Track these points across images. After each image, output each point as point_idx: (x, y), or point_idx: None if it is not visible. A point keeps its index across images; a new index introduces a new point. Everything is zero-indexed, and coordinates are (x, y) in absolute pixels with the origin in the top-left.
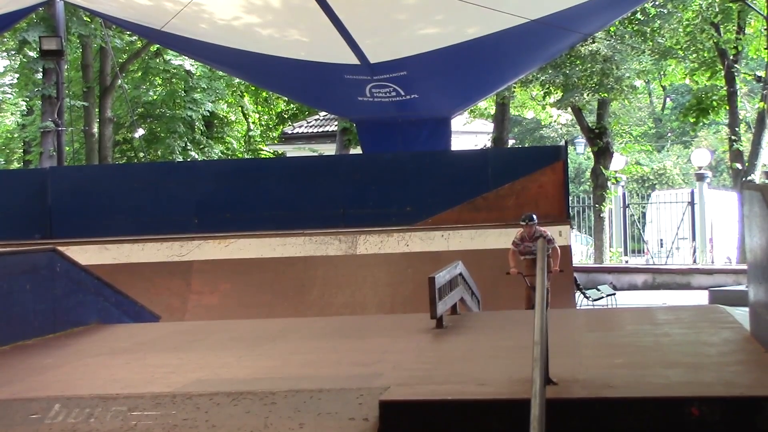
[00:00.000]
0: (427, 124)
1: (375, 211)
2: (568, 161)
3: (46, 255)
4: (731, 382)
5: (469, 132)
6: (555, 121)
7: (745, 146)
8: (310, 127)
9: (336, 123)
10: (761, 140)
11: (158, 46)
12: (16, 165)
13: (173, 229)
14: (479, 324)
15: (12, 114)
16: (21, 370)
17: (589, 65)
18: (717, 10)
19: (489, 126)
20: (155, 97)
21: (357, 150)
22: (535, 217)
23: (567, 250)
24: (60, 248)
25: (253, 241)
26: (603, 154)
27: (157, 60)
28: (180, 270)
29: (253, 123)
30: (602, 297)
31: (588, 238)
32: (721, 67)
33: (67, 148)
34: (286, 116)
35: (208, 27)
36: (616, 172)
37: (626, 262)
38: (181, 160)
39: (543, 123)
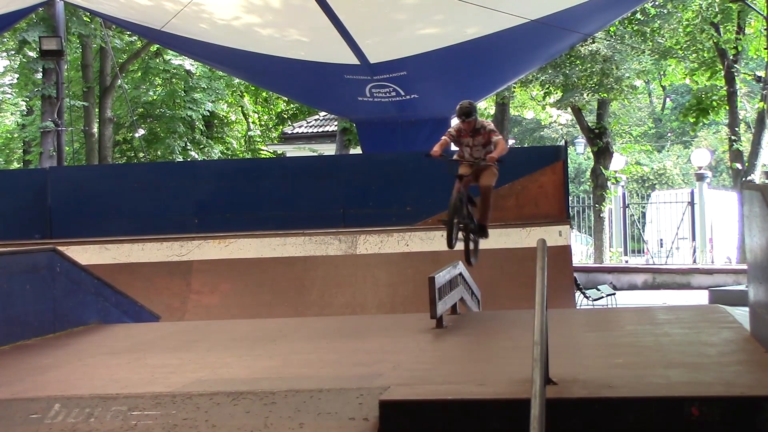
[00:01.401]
0: (427, 124)
1: (375, 211)
2: (568, 161)
3: (46, 255)
4: (731, 382)
5: None
6: (555, 121)
7: (745, 146)
8: (310, 127)
9: (336, 123)
10: (761, 140)
11: (158, 46)
12: (16, 165)
13: (173, 229)
14: (479, 324)
15: (12, 114)
16: (21, 370)
17: (589, 65)
18: (717, 10)
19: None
20: (155, 97)
21: (357, 150)
22: (475, 108)
23: (567, 250)
24: (60, 248)
25: (253, 241)
26: (603, 154)
27: (157, 60)
28: (180, 270)
29: (253, 123)
30: (602, 297)
31: (588, 238)
32: (721, 67)
33: (67, 148)
34: (286, 116)
35: (208, 27)
36: (616, 172)
37: (626, 262)
38: (181, 160)
39: (543, 123)
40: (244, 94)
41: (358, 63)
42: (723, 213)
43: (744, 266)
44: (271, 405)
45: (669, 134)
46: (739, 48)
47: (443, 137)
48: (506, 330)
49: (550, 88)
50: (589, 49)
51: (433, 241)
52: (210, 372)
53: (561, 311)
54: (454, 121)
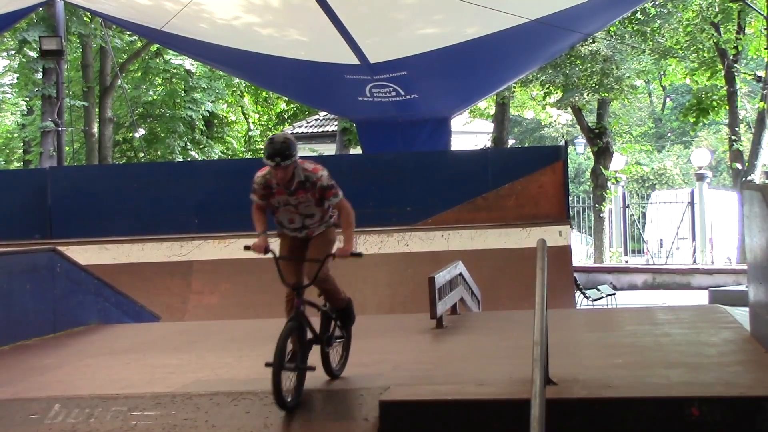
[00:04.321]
0: (427, 124)
1: (375, 211)
2: (568, 161)
3: (46, 255)
4: (731, 382)
5: (469, 132)
6: (555, 121)
7: (745, 146)
8: (310, 127)
9: (336, 123)
10: (761, 140)
11: (158, 46)
12: (16, 165)
13: (173, 229)
14: (479, 324)
15: (12, 114)
16: (21, 370)
17: (589, 65)
18: (717, 10)
19: (489, 126)
20: (155, 97)
21: (357, 150)
22: (293, 150)
23: (567, 250)
24: (60, 248)
25: (253, 241)
26: (603, 154)
27: (157, 60)
28: (180, 270)
29: (253, 123)
30: (602, 297)
31: (588, 238)
32: (721, 67)
33: (67, 148)
34: (286, 116)
35: (208, 27)
36: (616, 172)
37: (626, 262)
38: (181, 160)
39: (543, 123)
40: (244, 94)
41: (358, 63)
42: (723, 213)
43: (744, 266)
44: (271, 405)
45: (669, 134)
46: (739, 48)
47: (254, 200)
48: (506, 330)
49: (550, 88)
50: (589, 49)
51: (433, 241)
52: (210, 372)
53: (561, 311)
54: (455, 120)
